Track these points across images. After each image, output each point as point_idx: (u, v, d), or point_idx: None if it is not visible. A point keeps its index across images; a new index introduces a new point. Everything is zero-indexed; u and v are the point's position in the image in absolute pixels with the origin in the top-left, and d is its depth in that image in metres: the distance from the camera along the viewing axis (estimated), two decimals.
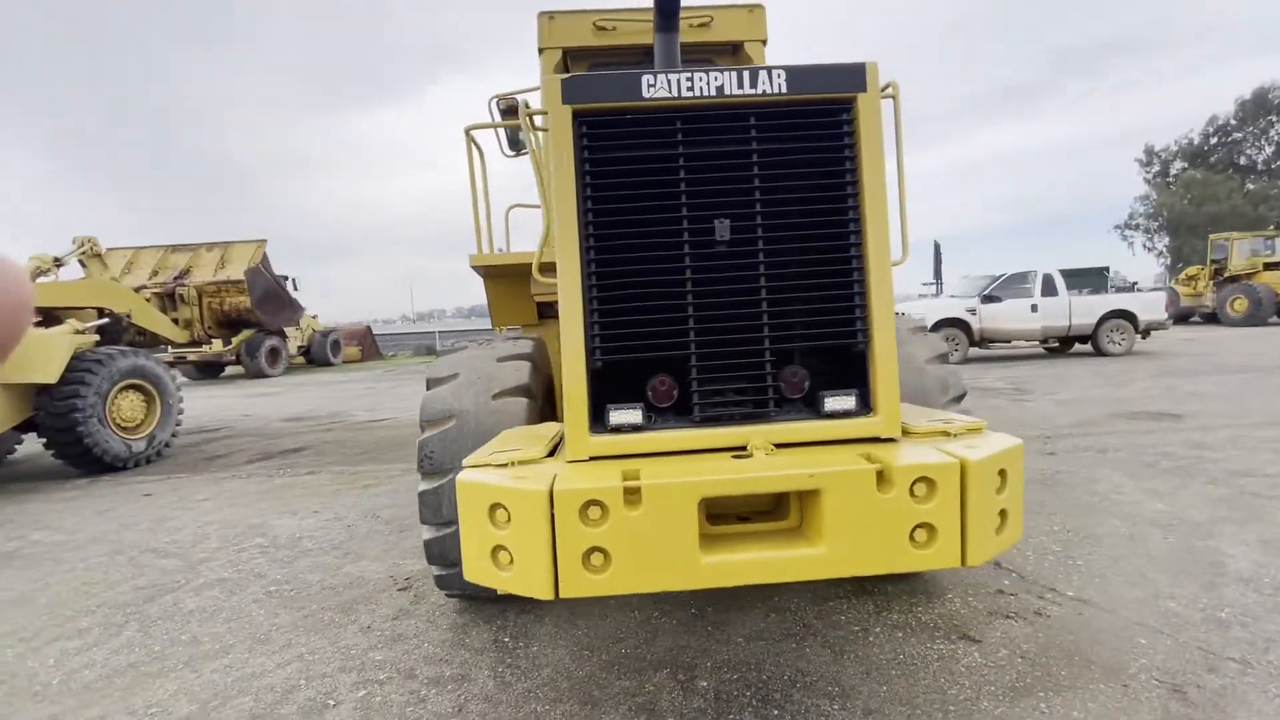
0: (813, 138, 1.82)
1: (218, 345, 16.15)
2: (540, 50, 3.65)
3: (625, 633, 2.63)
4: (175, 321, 8.62)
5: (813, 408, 1.84)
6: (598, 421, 1.81)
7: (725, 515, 1.79)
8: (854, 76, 1.82)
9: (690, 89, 1.78)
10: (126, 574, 3.60)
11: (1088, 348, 13.06)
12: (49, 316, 7.31)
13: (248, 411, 11.18)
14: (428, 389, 2.72)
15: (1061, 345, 13.51)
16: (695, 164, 1.80)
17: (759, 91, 1.79)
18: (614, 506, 1.48)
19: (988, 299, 12.52)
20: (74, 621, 3.00)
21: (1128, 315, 12.53)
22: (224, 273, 8.91)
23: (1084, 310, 12.54)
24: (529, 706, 2.16)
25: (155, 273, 9.07)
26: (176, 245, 9.55)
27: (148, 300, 8.26)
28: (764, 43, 3.69)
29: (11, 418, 6.15)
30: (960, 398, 2.65)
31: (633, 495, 1.50)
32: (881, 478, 1.53)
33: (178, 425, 7.47)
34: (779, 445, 1.75)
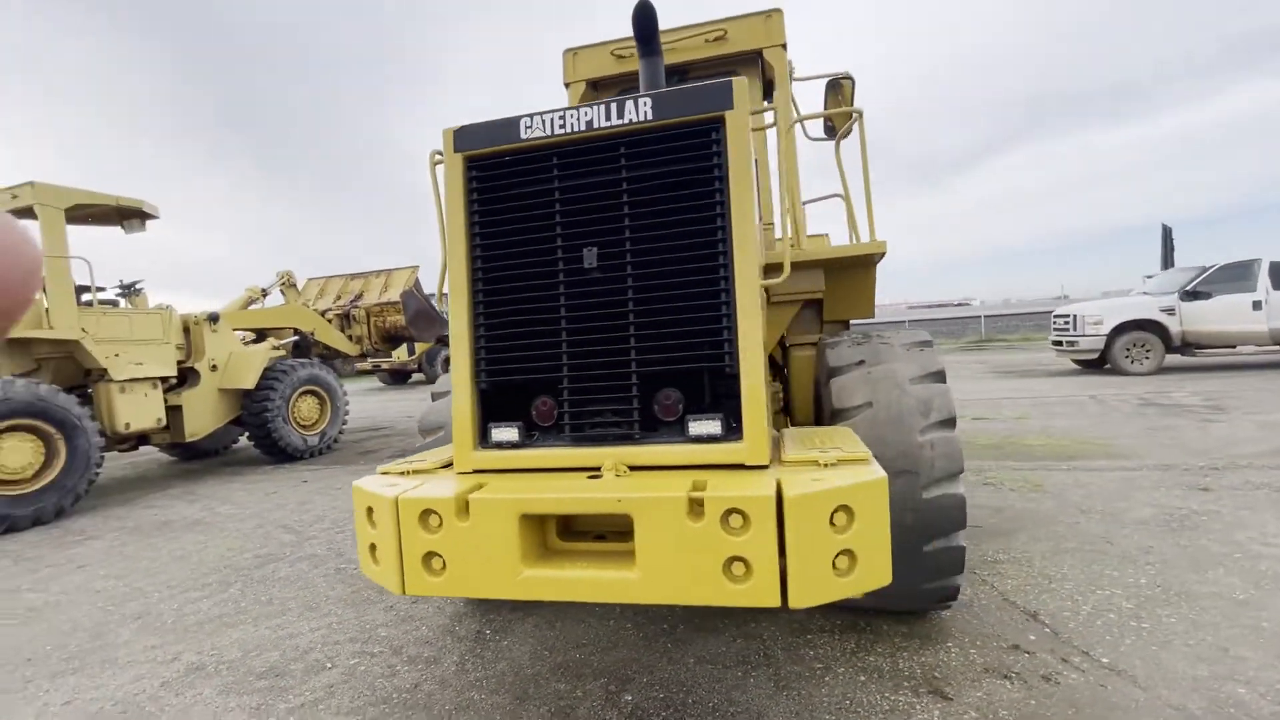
0: (682, 160, 1.82)
1: (402, 354, 18.87)
2: (566, 85, 3.89)
3: (589, 639, 2.73)
4: (350, 338, 10.35)
5: (684, 432, 1.82)
6: (487, 438, 1.97)
7: (586, 533, 1.84)
8: (720, 95, 1.78)
9: (562, 126, 1.88)
10: (257, 543, 4.51)
11: None
12: (259, 335, 9.26)
13: (412, 413, 12.97)
14: (432, 401, 3.09)
15: None
16: (569, 197, 1.90)
17: (626, 121, 1.84)
18: (447, 516, 1.64)
19: (1191, 295, 10.25)
20: (205, 577, 3.85)
21: None
22: (386, 295, 10.50)
23: None
24: (469, 694, 2.37)
25: (338, 297, 10.97)
26: (355, 273, 11.44)
27: (329, 321, 10.03)
28: (784, 47, 3.57)
29: (227, 415, 7.88)
30: (946, 422, 2.36)
31: (466, 507, 1.64)
32: (695, 506, 1.50)
33: (344, 424, 8.97)
34: (642, 467, 1.77)
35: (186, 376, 7.53)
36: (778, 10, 3.56)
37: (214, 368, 7.70)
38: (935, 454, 2.29)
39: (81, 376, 6.53)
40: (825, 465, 1.65)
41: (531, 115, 1.91)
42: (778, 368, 3.79)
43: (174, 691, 2.54)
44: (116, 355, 6.44)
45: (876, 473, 1.54)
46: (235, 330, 8.34)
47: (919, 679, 2.27)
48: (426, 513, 1.66)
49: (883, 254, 3.09)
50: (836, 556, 1.48)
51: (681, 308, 1.82)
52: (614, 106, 1.84)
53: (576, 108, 1.86)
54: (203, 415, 7.56)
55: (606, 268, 1.87)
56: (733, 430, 1.78)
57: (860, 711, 2.10)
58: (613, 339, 1.86)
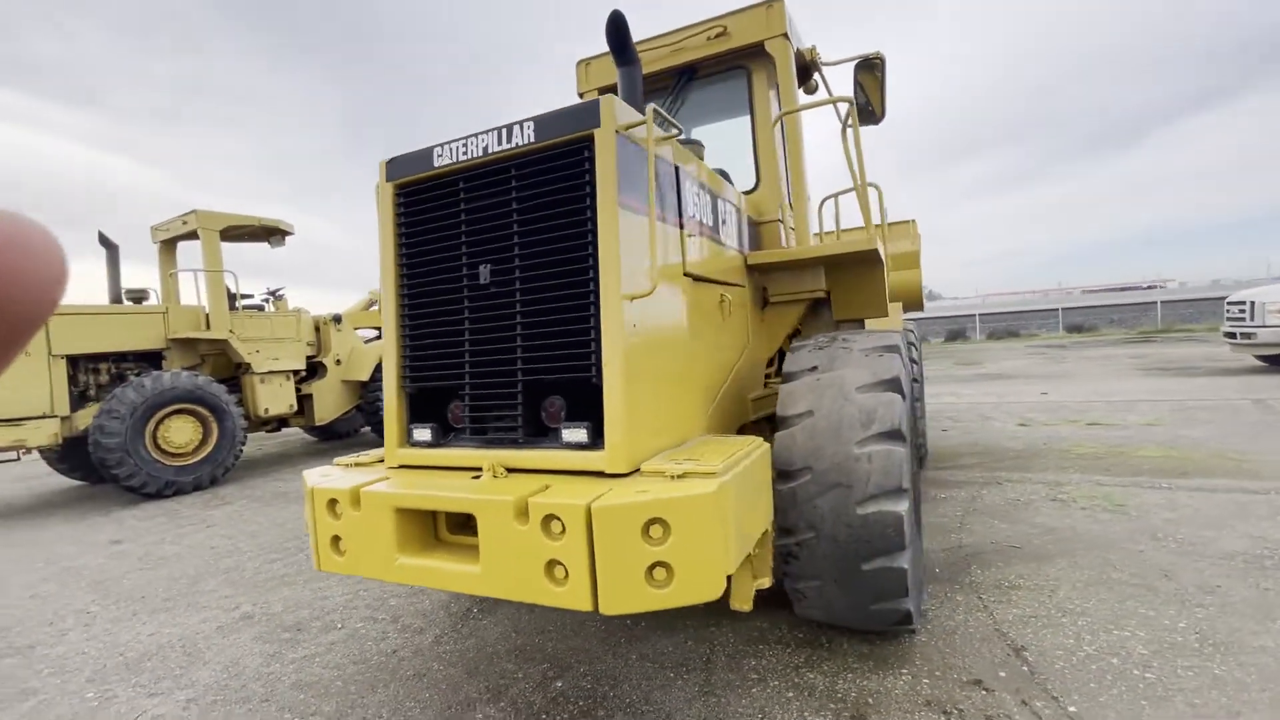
0: (558, 179, 1.91)
1: None
2: (580, 95, 4.04)
3: (555, 626, 2.90)
4: None
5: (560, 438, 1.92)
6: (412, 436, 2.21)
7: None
8: (588, 114, 1.84)
9: (465, 152, 2.04)
10: None
11: None
12: (380, 333, 10.47)
13: None
14: None
15: None
16: (472, 219, 2.06)
17: (514, 145, 1.96)
18: (345, 505, 1.89)
19: None
20: (287, 542, 4.56)
21: None
22: None
23: None
24: (431, 664, 2.65)
25: None
26: None
27: None
28: (786, 36, 3.43)
29: (349, 403, 9.06)
30: (888, 434, 2.21)
31: (358, 498, 1.88)
32: (522, 510, 1.60)
33: None
34: (519, 470, 1.90)
35: (316, 369, 8.77)
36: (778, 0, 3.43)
37: (338, 362, 8.89)
38: (872, 468, 2.16)
39: (232, 370, 7.88)
40: (671, 477, 1.67)
41: (443, 144, 2.09)
42: None
43: (224, 634, 3.09)
44: (257, 351, 7.69)
45: (704, 489, 1.54)
46: (357, 329, 9.53)
47: (848, 703, 2.17)
48: (332, 501, 1.92)
49: (871, 251, 2.90)
50: (652, 568, 1.51)
51: (555, 321, 1.91)
52: (505, 132, 1.97)
53: (476, 134, 2.02)
54: (329, 403, 8.76)
55: (501, 284, 2.01)
56: (599, 438, 1.84)
57: None
58: (505, 350, 2.00)
